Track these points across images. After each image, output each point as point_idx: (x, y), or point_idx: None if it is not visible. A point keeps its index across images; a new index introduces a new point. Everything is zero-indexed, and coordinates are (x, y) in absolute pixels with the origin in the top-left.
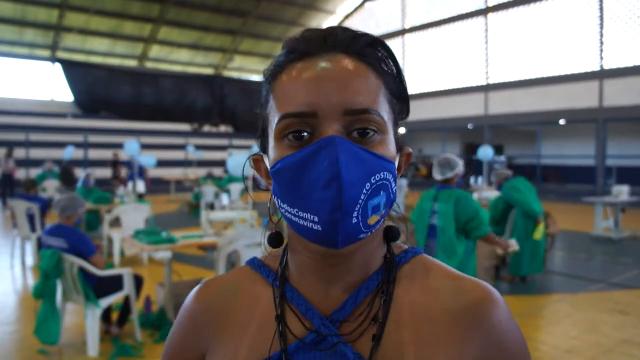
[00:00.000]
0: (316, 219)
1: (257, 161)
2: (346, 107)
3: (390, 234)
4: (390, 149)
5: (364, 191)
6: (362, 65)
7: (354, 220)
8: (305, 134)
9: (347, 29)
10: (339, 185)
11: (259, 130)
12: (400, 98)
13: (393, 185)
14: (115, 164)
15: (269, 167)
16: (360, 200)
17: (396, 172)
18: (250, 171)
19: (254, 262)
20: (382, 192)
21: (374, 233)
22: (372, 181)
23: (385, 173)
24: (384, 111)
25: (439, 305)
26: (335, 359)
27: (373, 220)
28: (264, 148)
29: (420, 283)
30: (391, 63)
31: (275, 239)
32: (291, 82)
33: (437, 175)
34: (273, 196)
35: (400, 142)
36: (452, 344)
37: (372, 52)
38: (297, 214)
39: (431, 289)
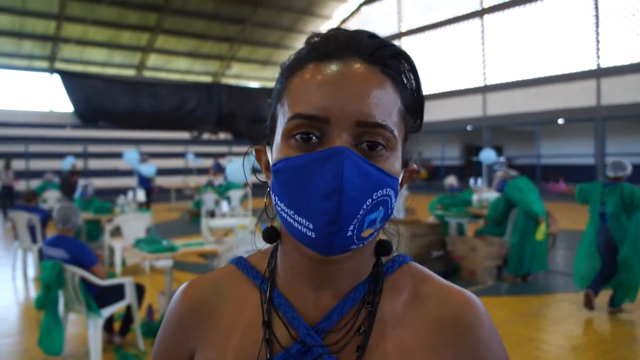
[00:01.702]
0: (311, 226)
1: (259, 151)
2: (359, 119)
3: (383, 248)
4: (396, 165)
5: (364, 207)
6: (382, 77)
7: (349, 233)
8: (313, 137)
9: (374, 36)
10: (340, 199)
11: (266, 121)
12: (414, 114)
13: (393, 201)
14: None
15: (271, 161)
16: (359, 215)
17: (398, 187)
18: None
19: (240, 262)
20: (380, 208)
21: (367, 244)
22: (374, 197)
23: (387, 190)
24: (397, 127)
25: (422, 316)
26: None
27: (367, 234)
28: (268, 140)
29: (406, 293)
30: (412, 77)
31: (270, 234)
32: (308, 82)
33: (610, 173)
34: (270, 191)
35: (406, 158)
36: (432, 353)
37: (395, 64)
38: (292, 216)
39: (415, 299)
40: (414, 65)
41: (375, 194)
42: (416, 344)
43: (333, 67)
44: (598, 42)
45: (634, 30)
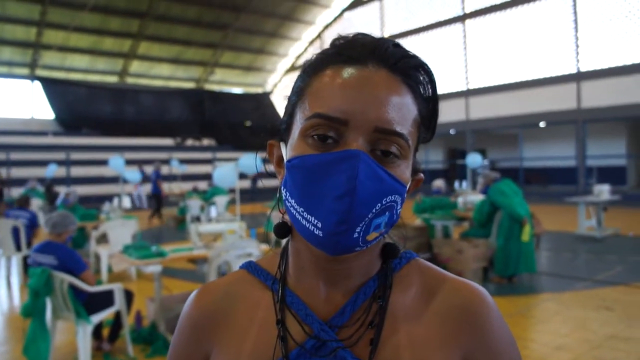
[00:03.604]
0: (320, 225)
1: (271, 146)
2: (378, 125)
3: (390, 251)
4: (407, 173)
5: (373, 210)
6: (403, 87)
7: (355, 235)
8: (330, 138)
9: (398, 45)
10: (352, 201)
11: (284, 116)
12: (428, 124)
13: (399, 207)
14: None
15: (285, 156)
16: (367, 219)
17: (405, 194)
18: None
19: (250, 266)
20: (387, 213)
21: (373, 245)
22: (383, 202)
23: (396, 196)
24: (411, 136)
25: (432, 309)
26: None
27: (372, 237)
28: (282, 136)
29: (415, 287)
30: (430, 89)
31: (282, 229)
32: (330, 83)
33: None
34: (282, 187)
35: (415, 166)
36: (444, 344)
37: (416, 75)
38: (302, 214)
39: (424, 292)
40: (434, 77)
41: (385, 199)
42: (428, 335)
43: (356, 72)
44: (578, 46)
45: (612, 34)
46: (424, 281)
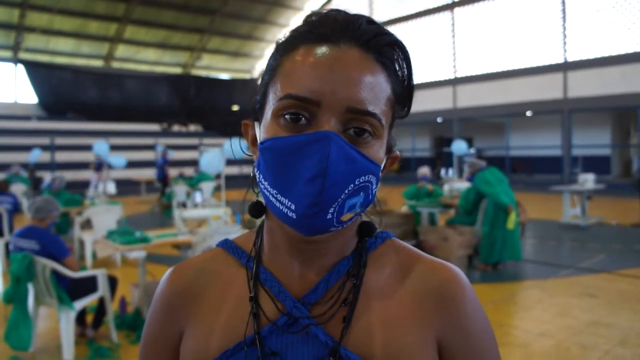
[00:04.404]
0: (293, 206)
1: (246, 126)
2: (350, 105)
3: (367, 229)
4: (380, 152)
5: (346, 191)
6: (376, 66)
7: (329, 216)
8: (302, 118)
9: (373, 22)
10: (323, 183)
11: (257, 95)
12: (403, 102)
13: (374, 187)
14: None
15: (258, 137)
16: (340, 199)
17: (380, 174)
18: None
19: (226, 244)
20: (361, 193)
21: (349, 225)
22: (356, 183)
23: (370, 176)
24: (384, 115)
25: (407, 288)
26: (307, 341)
27: (346, 217)
28: (257, 115)
29: (390, 266)
30: (405, 67)
31: (256, 208)
32: (302, 63)
33: None
34: (255, 168)
35: (390, 144)
36: (417, 324)
37: (390, 52)
38: (275, 195)
39: (399, 272)
40: (408, 54)
41: (358, 179)
42: (401, 314)
43: (328, 50)
44: (565, 36)
45: (599, 25)
46: (399, 261)
